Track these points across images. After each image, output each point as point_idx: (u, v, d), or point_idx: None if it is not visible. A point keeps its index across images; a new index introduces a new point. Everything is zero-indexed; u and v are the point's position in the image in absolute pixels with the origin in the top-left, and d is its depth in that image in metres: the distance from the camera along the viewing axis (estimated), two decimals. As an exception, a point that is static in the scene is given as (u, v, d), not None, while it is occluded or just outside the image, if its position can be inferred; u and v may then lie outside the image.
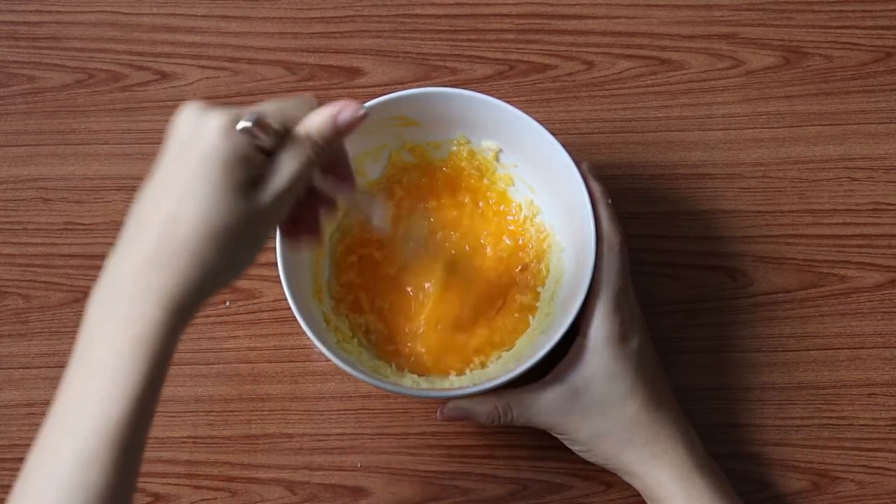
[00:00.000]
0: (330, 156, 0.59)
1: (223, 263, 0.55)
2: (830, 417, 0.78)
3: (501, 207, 0.78)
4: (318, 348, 0.68)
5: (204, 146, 0.54)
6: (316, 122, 0.57)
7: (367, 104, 0.71)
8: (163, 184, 0.55)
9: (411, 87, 0.82)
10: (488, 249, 0.77)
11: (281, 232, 0.67)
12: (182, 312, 0.54)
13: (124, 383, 0.52)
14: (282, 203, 0.57)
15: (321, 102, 0.58)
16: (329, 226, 0.75)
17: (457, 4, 0.85)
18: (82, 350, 0.54)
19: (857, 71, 0.84)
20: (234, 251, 0.56)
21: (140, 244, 0.54)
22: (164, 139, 0.56)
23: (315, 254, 0.75)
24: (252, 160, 0.55)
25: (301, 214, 0.61)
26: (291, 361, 0.79)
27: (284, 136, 0.56)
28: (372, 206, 0.70)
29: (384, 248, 0.77)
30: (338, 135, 0.58)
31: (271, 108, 0.57)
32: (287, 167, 0.56)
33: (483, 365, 0.75)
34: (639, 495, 0.73)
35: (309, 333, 0.68)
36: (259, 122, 0.55)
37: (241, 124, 0.54)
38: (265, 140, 0.55)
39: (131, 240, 0.55)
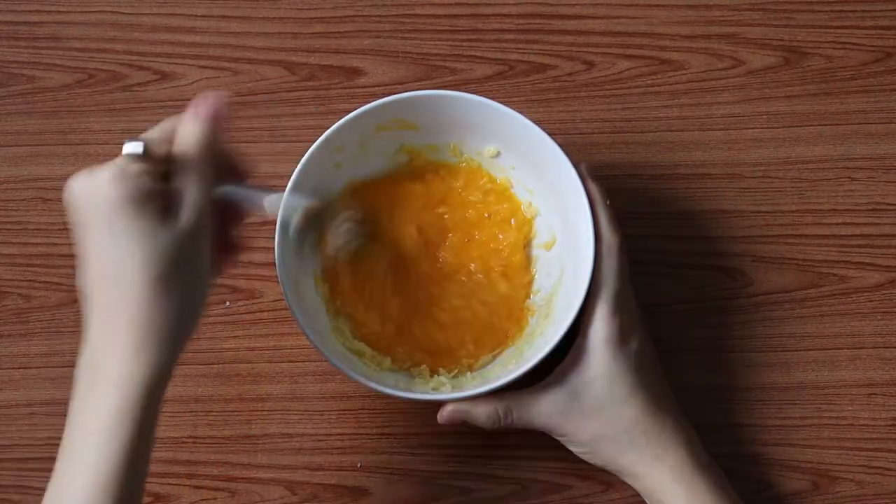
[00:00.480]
0: (218, 158, 0.61)
1: (180, 300, 0.58)
2: (830, 417, 0.78)
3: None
4: (317, 349, 0.68)
5: (106, 200, 0.56)
6: (186, 128, 0.60)
7: (365, 108, 0.72)
8: (93, 251, 0.57)
9: (411, 87, 0.83)
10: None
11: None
12: (158, 364, 0.57)
13: (110, 445, 0.56)
14: (200, 220, 0.59)
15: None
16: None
17: (457, 4, 0.85)
18: (75, 415, 0.58)
19: (857, 71, 0.84)
20: (184, 284, 0.58)
21: (104, 311, 0.57)
22: (70, 224, 0.58)
23: (316, 254, 0.75)
24: (153, 191, 0.57)
25: (220, 229, 0.63)
26: (291, 361, 0.79)
27: (173, 158, 0.59)
28: (273, 200, 0.68)
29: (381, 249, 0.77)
30: (211, 130, 0.60)
31: (152, 134, 0.60)
32: (188, 183, 0.59)
33: (477, 365, 0.75)
34: (639, 495, 0.73)
35: (308, 334, 0.68)
36: (136, 144, 0.57)
37: (126, 149, 0.57)
38: (157, 157, 0.58)
39: (96, 308, 0.58)
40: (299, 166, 0.71)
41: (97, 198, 0.57)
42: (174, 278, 0.57)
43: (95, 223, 0.57)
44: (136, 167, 0.57)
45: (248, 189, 0.64)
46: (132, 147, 0.57)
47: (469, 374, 0.74)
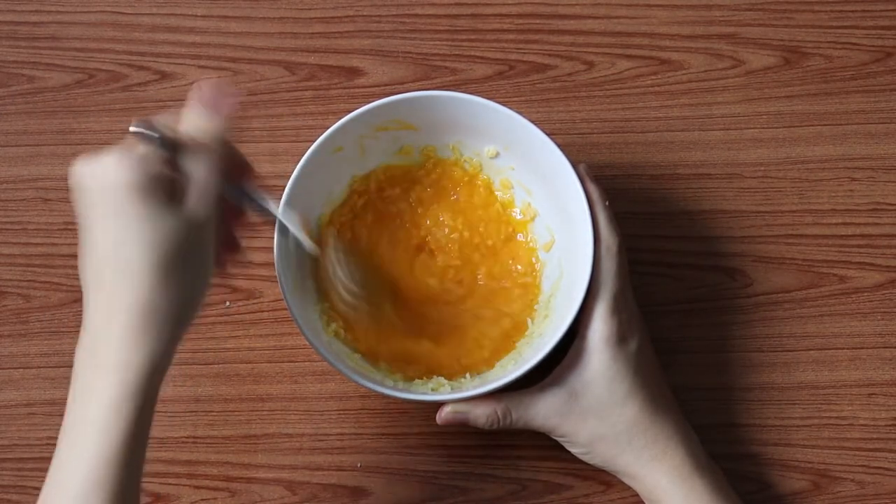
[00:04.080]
0: (227, 156, 0.61)
1: (183, 288, 0.57)
2: (830, 417, 0.78)
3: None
4: (316, 350, 0.69)
5: (110, 183, 0.56)
6: (199, 117, 0.60)
7: (364, 108, 0.72)
8: (98, 236, 0.57)
9: (411, 87, 0.83)
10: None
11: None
12: (158, 349, 0.56)
13: (112, 429, 0.55)
14: (207, 208, 0.59)
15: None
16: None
17: (457, 4, 0.85)
18: (75, 401, 0.57)
19: (857, 71, 0.84)
20: (188, 272, 0.58)
21: (106, 297, 0.57)
22: (74, 206, 0.58)
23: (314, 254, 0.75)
24: (160, 176, 0.57)
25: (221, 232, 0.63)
26: (291, 361, 0.79)
27: (183, 144, 0.58)
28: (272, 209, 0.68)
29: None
30: (222, 121, 0.60)
31: (159, 118, 0.59)
32: (198, 169, 0.58)
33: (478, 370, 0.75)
34: (638, 495, 0.73)
35: (307, 334, 0.69)
36: (147, 124, 0.57)
37: (132, 128, 0.57)
38: (157, 138, 0.57)
39: (97, 295, 0.57)
40: (299, 167, 0.71)
41: (104, 182, 0.56)
42: (178, 265, 0.57)
43: (101, 207, 0.57)
44: (142, 150, 0.57)
45: (250, 191, 0.64)
46: (142, 128, 0.57)
47: (468, 374, 0.74)
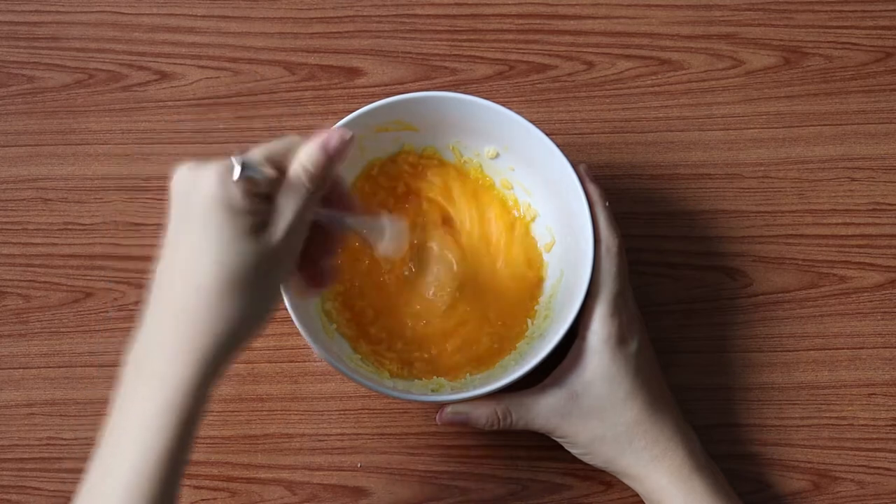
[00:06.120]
0: (328, 187, 0.61)
1: (245, 311, 0.57)
2: (830, 417, 0.78)
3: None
4: (316, 350, 0.69)
5: (204, 197, 0.56)
6: (307, 154, 0.59)
7: (364, 109, 0.72)
8: (174, 242, 0.57)
9: (411, 88, 0.83)
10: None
11: (300, 278, 0.67)
12: (208, 367, 0.56)
13: (153, 442, 0.55)
14: (290, 241, 0.58)
15: (306, 138, 0.60)
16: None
17: (457, 4, 0.85)
18: (118, 408, 0.56)
19: (857, 71, 0.84)
20: (253, 297, 0.57)
21: (165, 304, 0.57)
22: (167, 202, 0.58)
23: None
24: (252, 205, 0.56)
25: (313, 256, 0.63)
26: (291, 361, 0.79)
27: (279, 177, 0.58)
28: (382, 229, 0.69)
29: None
30: (330, 162, 0.59)
31: (259, 151, 0.58)
32: (289, 204, 0.58)
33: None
34: (638, 495, 0.73)
35: (306, 335, 0.69)
36: (248, 163, 0.56)
37: (235, 169, 0.56)
38: (261, 179, 0.57)
39: (158, 300, 0.57)
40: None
41: (198, 192, 0.56)
42: (243, 289, 0.56)
43: (186, 215, 0.57)
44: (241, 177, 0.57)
45: (341, 215, 0.64)
46: (244, 169, 0.56)
47: (468, 375, 0.74)
